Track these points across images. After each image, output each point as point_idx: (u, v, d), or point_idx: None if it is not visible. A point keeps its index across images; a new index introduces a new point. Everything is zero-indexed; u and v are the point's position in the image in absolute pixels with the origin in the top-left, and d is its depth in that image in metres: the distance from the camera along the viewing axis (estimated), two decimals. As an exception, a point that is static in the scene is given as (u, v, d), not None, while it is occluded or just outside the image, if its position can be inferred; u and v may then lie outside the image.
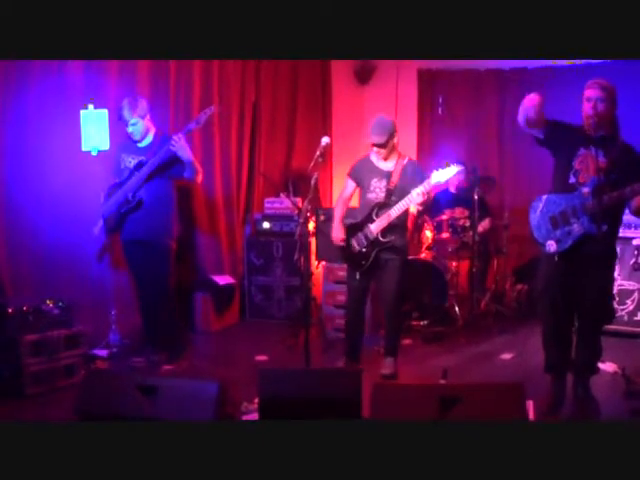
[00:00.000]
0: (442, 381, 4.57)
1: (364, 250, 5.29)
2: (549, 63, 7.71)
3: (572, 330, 4.84)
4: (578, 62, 7.41)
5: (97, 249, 5.88)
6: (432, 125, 8.78)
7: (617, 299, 6.44)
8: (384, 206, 5.23)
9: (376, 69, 9.01)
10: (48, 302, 5.20)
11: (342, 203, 5.51)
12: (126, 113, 5.43)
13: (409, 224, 5.75)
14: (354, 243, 5.32)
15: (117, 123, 5.65)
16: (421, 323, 6.89)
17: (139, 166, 5.44)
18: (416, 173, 5.27)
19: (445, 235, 7.13)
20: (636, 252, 6.47)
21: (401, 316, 5.72)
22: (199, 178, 5.57)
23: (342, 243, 5.36)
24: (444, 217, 7.10)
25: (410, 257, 7.01)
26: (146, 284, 5.65)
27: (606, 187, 4.30)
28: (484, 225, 7.24)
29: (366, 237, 5.27)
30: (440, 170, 5.01)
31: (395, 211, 5.15)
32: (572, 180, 4.46)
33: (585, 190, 4.37)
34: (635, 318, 6.50)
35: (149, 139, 5.56)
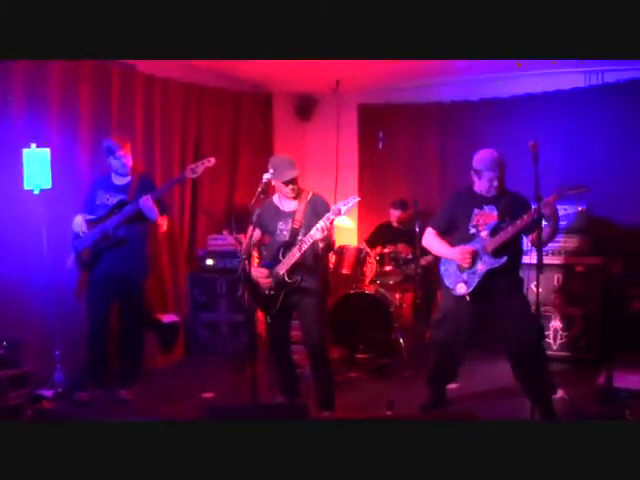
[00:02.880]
0: (388, 413, 4.59)
1: (272, 293, 5.09)
2: (490, 95, 7.89)
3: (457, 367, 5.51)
4: (520, 93, 7.63)
5: (75, 286, 5.88)
6: (373, 160, 8.86)
7: (562, 325, 6.69)
8: (290, 246, 5.03)
9: (317, 104, 9.10)
10: (-6, 342, 5.15)
11: (250, 249, 5.10)
12: (117, 147, 5.64)
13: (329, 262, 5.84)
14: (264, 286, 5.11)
15: (58, 162, 5.70)
16: (366, 356, 6.93)
17: (121, 205, 5.60)
18: (320, 208, 5.07)
19: (388, 268, 7.19)
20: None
21: (329, 362, 5.47)
22: (161, 230, 5.94)
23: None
24: (386, 250, 7.17)
25: (353, 291, 7.08)
26: (120, 317, 5.98)
27: (501, 229, 4.86)
28: (427, 259, 7.05)
29: (274, 279, 5.05)
30: (339, 203, 4.79)
31: (297, 250, 4.94)
32: (472, 231, 4.99)
33: (484, 233, 4.91)
34: (579, 343, 6.63)
35: (128, 178, 5.76)
